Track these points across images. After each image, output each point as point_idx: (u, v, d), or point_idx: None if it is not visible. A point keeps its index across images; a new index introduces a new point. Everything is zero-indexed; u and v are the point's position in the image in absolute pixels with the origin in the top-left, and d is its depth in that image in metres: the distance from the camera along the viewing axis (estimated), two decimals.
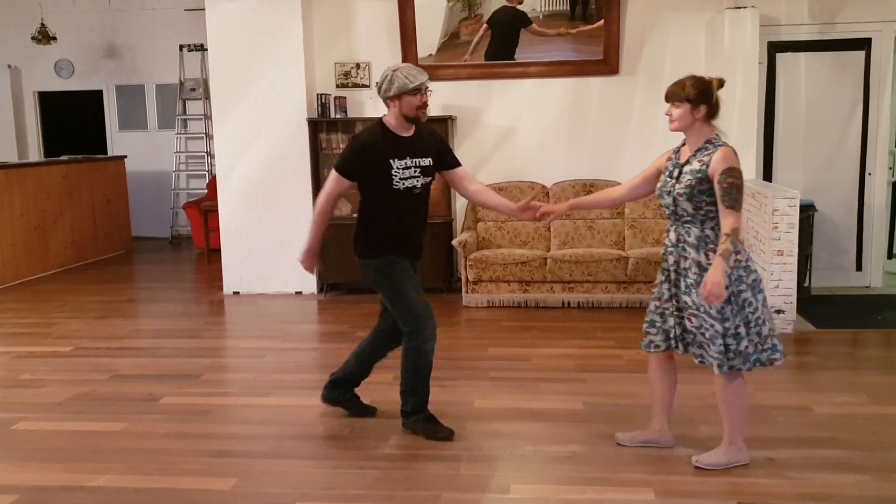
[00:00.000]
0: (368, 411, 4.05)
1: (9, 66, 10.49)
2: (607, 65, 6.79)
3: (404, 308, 3.66)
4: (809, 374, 4.74)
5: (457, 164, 3.84)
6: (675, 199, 3.30)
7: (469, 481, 3.33)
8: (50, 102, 10.87)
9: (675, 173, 3.35)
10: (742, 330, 3.20)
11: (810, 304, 6.05)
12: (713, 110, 3.29)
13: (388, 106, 3.65)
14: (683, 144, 3.41)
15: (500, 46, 6.87)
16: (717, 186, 3.14)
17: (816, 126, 6.66)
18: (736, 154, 3.22)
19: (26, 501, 3.25)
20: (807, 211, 6.13)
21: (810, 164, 6.71)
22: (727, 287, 3.08)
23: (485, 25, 6.85)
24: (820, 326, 5.57)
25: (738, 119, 6.28)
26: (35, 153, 10.81)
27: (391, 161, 3.55)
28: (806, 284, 6.33)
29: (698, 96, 3.25)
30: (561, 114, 6.96)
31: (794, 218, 5.35)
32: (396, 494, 3.23)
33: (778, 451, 3.53)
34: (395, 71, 3.57)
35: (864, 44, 6.52)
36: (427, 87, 3.61)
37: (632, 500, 3.13)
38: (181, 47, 10.03)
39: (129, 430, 3.99)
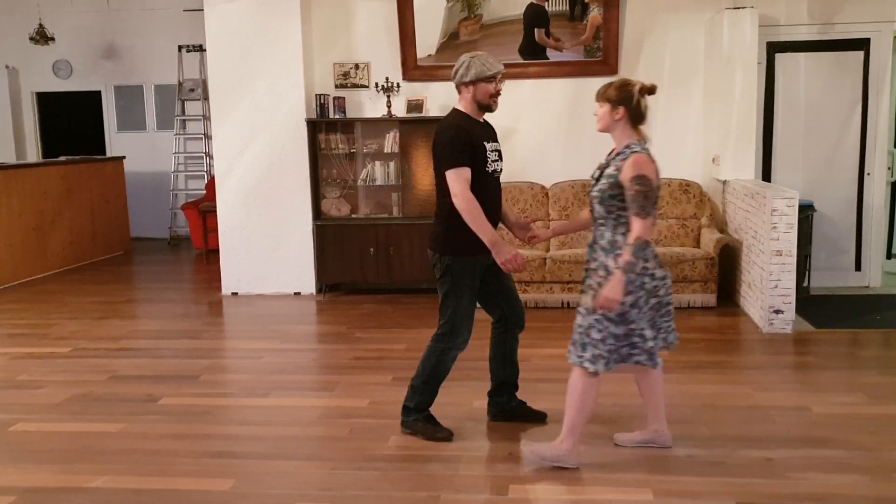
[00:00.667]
0: (538, 416, 3.97)
1: (7, 67, 10.48)
2: (606, 65, 6.79)
3: (454, 311, 3.67)
4: (808, 374, 4.73)
5: None
6: (591, 201, 3.36)
7: (468, 482, 3.32)
8: (48, 103, 10.85)
9: (597, 175, 3.38)
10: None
11: (809, 304, 6.05)
12: (634, 114, 3.28)
13: (460, 92, 3.65)
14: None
15: (529, 43, 6.86)
16: (626, 193, 3.15)
17: (815, 126, 6.66)
18: (651, 161, 3.20)
19: (24, 503, 3.24)
20: (806, 211, 6.13)
21: (809, 164, 6.70)
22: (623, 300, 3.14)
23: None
24: (819, 326, 5.56)
25: (737, 119, 6.28)
26: (33, 154, 10.80)
27: (484, 143, 3.56)
28: (805, 284, 6.33)
29: (618, 98, 3.27)
30: (560, 114, 6.96)
31: (793, 218, 5.35)
32: (395, 495, 3.23)
33: (777, 451, 3.53)
34: (472, 58, 3.59)
35: (862, 44, 6.52)
36: (502, 76, 3.63)
37: (631, 500, 3.13)
38: (180, 48, 10.02)
39: (127, 430, 3.98)
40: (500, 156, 3.69)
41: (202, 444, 3.80)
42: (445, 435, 3.71)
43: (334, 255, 6.95)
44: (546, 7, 6.79)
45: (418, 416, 3.75)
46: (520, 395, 4.37)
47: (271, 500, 3.22)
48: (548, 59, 6.87)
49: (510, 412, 3.94)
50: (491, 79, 3.57)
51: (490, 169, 3.58)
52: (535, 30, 6.82)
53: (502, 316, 3.85)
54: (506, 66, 6.87)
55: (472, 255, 3.63)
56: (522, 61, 6.87)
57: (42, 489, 3.36)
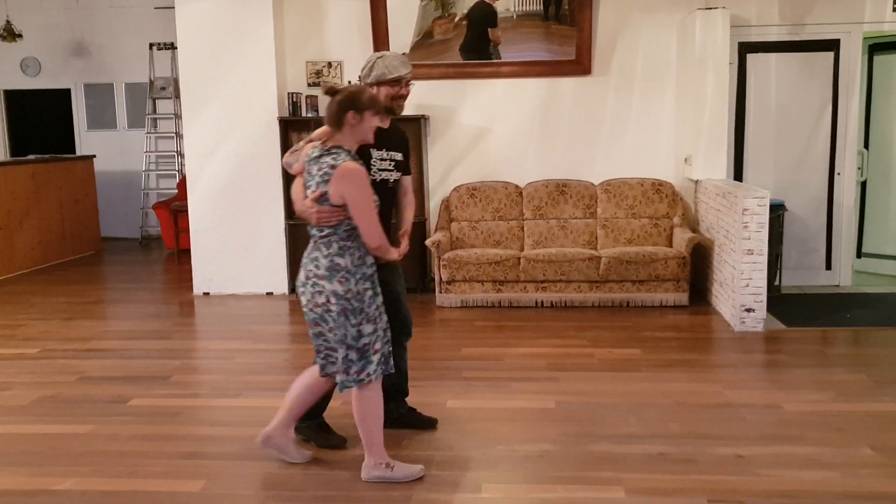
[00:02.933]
0: (429, 423, 3.88)
1: None
2: (580, 65, 6.82)
3: (402, 312, 3.68)
4: (779, 372, 4.78)
5: (409, 172, 3.79)
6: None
7: (440, 481, 3.31)
8: (16, 101, 10.68)
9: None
10: None
11: (780, 302, 6.12)
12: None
13: None
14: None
15: (474, 42, 6.87)
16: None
17: (786, 126, 6.74)
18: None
19: None
20: (777, 210, 6.20)
21: (780, 163, 6.78)
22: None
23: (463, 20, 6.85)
24: (790, 325, 5.62)
25: (709, 119, 6.33)
26: (1, 153, 10.62)
27: (370, 150, 3.46)
28: (776, 283, 6.40)
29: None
30: (534, 114, 6.98)
31: (765, 217, 5.40)
32: (367, 495, 3.21)
33: (748, 448, 3.56)
34: (379, 58, 3.52)
35: (832, 45, 6.60)
36: (408, 80, 3.56)
37: (603, 498, 3.14)
38: (151, 46, 9.91)
39: (96, 432, 3.92)
40: (397, 165, 3.56)
41: (172, 445, 3.75)
42: (337, 441, 3.68)
43: None
44: (496, 7, 6.80)
45: (310, 423, 3.70)
46: (494, 393, 4.38)
47: (242, 501, 3.19)
48: (490, 58, 6.87)
49: (399, 419, 3.84)
50: (395, 82, 3.51)
51: (376, 177, 3.45)
52: (490, 30, 6.83)
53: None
54: (479, 65, 7.00)
55: None
56: (494, 60, 6.87)
57: (10, 492, 3.29)
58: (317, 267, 3.19)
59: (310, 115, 6.89)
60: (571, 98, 6.92)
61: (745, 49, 6.66)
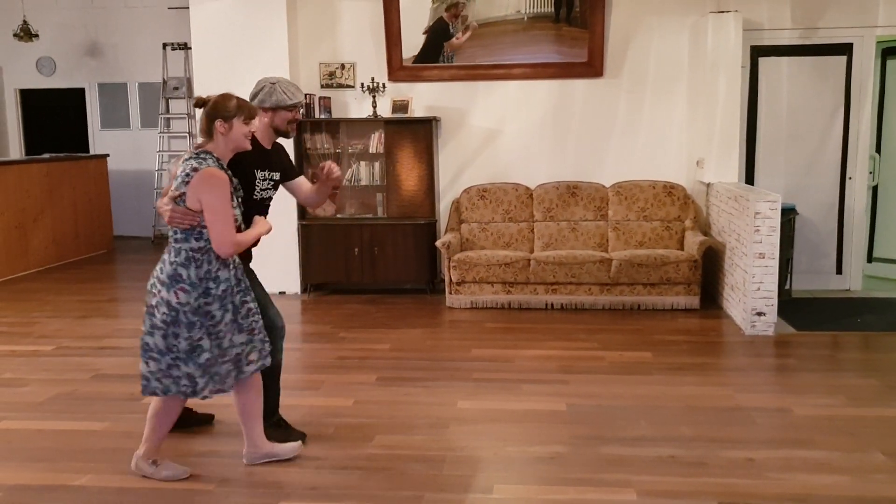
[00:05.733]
0: (205, 419, 4.01)
1: None
2: (591, 67, 6.83)
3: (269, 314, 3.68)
4: (789, 376, 4.79)
5: (298, 173, 3.90)
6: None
7: (452, 481, 3.34)
8: (32, 100, 10.76)
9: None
10: None
11: (791, 306, 6.11)
12: None
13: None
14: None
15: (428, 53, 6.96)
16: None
17: (798, 130, 6.73)
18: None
19: (8, 501, 3.22)
20: (788, 214, 6.20)
21: (792, 167, 6.77)
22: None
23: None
24: (800, 329, 5.62)
25: (721, 122, 6.33)
26: (16, 151, 10.71)
27: (255, 171, 3.54)
28: (787, 287, 6.39)
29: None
30: (545, 116, 6.99)
31: (776, 221, 5.40)
32: (379, 494, 3.23)
33: (758, 451, 3.57)
34: (273, 84, 3.59)
35: (845, 49, 6.59)
36: (301, 107, 3.66)
37: (614, 500, 3.15)
38: (164, 46, 9.97)
39: (111, 429, 3.97)
40: (275, 185, 3.67)
41: (186, 444, 3.79)
42: (297, 436, 3.72)
43: (319, 256, 6.95)
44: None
45: (267, 424, 3.70)
46: (504, 395, 4.40)
47: (256, 499, 3.23)
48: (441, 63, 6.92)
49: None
50: (291, 108, 3.58)
51: (258, 197, 3.56)
52: (445, 44, 6.90)
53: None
54: (490, 67, 7.03)
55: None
56: (505, 63, 6.89)
57: (27, 487, 3.34)
58: (161, 271, 3.18)
59: (323, 116, 6.93)
60: (583, 100, 6.93)
61: (758, 53, 6.66)
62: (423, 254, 6.83)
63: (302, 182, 3.87)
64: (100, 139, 10.59)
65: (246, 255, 3.62)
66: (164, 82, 10.13)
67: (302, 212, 6.96)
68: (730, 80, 6.29)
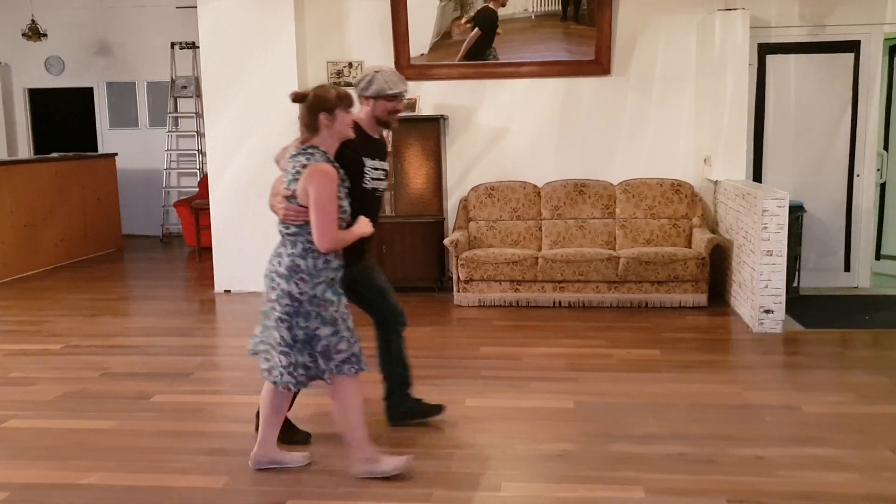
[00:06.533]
0: (436, 409, 3.93)
1: None
2: (599, 65, 6.82)
3: (391, 303, 3.76)
4: (798, 373, 4.77)
5: None
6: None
7: (460, 479, 3.34)
8: (40, 99, 10.81)
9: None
10: None
11: (799, 304, 6.09)
12: None
13: (360, 103, 3.63)
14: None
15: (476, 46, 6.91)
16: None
17: (806, 127, 6.71)
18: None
19: (17, 499, 3.24)
20: (796, 212, 6.18)
21: (800, 165, 6.75)
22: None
23: (476, 29, 6.87)
24: (809, 326, 5.61)
25: (729, 119, 6.32)
26: (25, 150, 10.76)
27: (364, 159, 3.52)
28: (795, 285, 6.38)
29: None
30: (552, 114, 6.98)
31: (784, 219, 5.39)
32: (388, 492, 3.24)
33: (767, 449, 3.56)
34: (376, 73, 3.58)
35: (853, 46, 6.56)
36: (403, 97, 3.62)
37: (622, 497, 3.15)
38: (173, 45, 10.00)
39: (120, 427, 3.99)
40: (385, 175, 3.65)
41: (195, 442, 3.81)
42: (301, 437, 3.74)
43: None
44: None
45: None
46: (512, 393, 4.40)
47: (263, 498, 3.24)
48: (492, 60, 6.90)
49: (407, 412, 3.90)
50: (392, 97, 3.56)
51: (368, 186, 3.53)
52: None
53: (382, 317, 3.82)
54: (497, 65, 7.03)
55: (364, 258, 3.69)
56: (513, 61, 6.89)
57: (35, 486, 3.36)
58: (279, 264, 3.21)
59: None
60: (590, 98, 6.92)
61: (765, 50, 6.63)
62: (431, 252, 6.84)
63: None
64: (108, 138, 10.63)
65: (358, 253, 3.55)
66: (173, 81, 10.16)
67: None
68: (737, 78, 6.28)
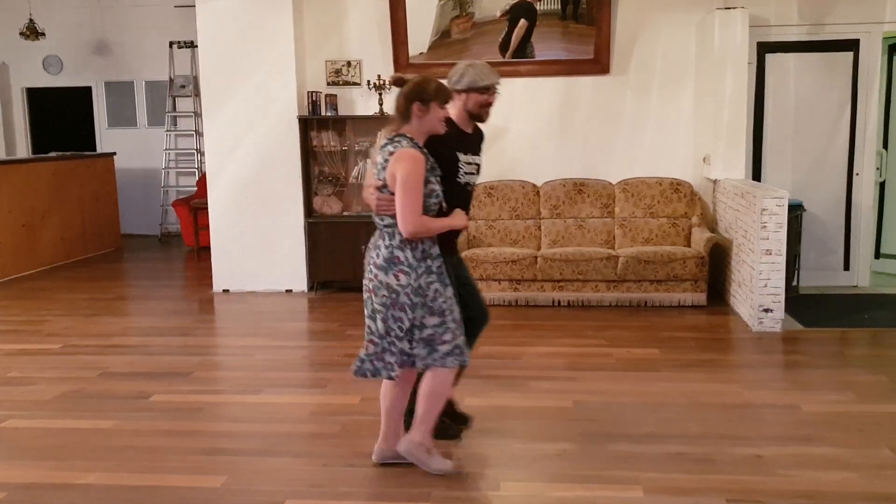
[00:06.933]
0: (453, 432, 3.78)
1: None
2: (598, 64, 6.81)
3: (481, 301, 3.68)
4: (798, 372, 4.77)
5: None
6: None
7: (459, 479, 3.33)
8: (38, 99, 10.80)
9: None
10: None
11: (798, 303, 6.09)
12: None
13: (453, 98, 3.54)
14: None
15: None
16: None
17: (805, 126, 6.70)
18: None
19: (15, 499, 3.24)
20: (795, 211, 6.17)
21: (799, 164, 6.75)
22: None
23: (523, 20, 6.82)
24: (808, 325, 5.60)
25: (728, 118, 6.32)
26: (23, 150, 10.74)
27: (457, 154, 3.47)
28: (794, 283, 6.37)
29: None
30: (551, 113, 6.98)
31: (783, 217, 5.38)
32: (387, 492, 3.24)
33: (766, 448, 3.56)
34: (468, 66, 3.53)
35: (852, 45, 6.56)
36: (495, 89, 3.58)
37: (621, 497, 3.15)
38: (171, 44, 9.98)
39: (118, 427, 3.98)
40: (478, 169, 3.59)
41: (194, 441, 3.80)
42: (454, 432, 3.71)
43: (326, 253, 6.96)
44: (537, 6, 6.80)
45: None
46: (512, 392, 4.40)
47: (262, 497, 3.23)
48: (527, 56, 6.86)
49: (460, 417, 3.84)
50: (485, 89, 3.52)
51: (462, 181, 3.47)
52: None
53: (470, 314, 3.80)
54: (496, 64, 6.97)
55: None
56: (513, 59, 6.88)
57: (34, 485, 3.35)
58: (377, 256, 3.21)
59: (329, 114, 6.93)
60: (590, 97, 6.91)
61: (764, 49, 6.63)
62: None
63: None
64: (107, 137, 10.61)
65: (450, 247, 3.48)
66: (171, 80, 10.14)
67: (308, 209, 6.97)
68: (737, 77, 6.27)
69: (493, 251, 6.41)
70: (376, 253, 3.21)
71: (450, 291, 3.25)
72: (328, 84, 7.07)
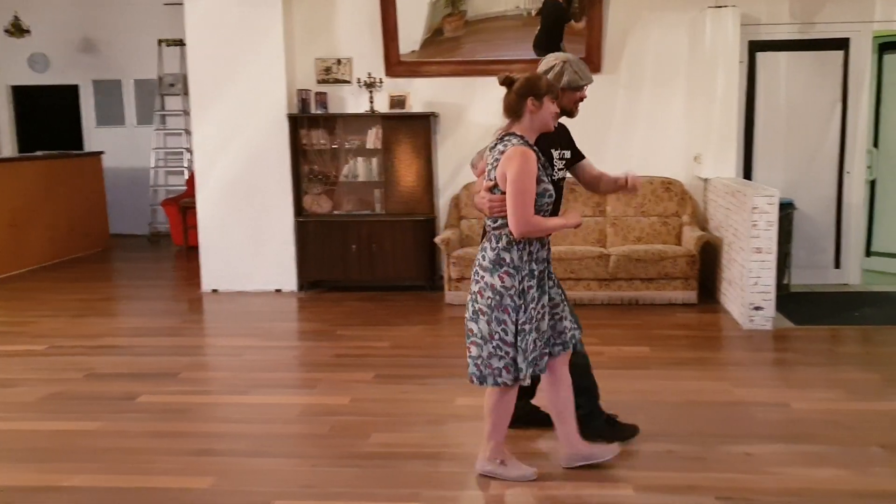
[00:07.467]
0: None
1: None
2: (590, 63, 6.75)
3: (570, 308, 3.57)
4: (788, 370, 4.77)
5: (583, 156, 3.75)
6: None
7: (448, 479, 3.31)
8: (24, 97, 10.71)
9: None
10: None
11: (789, 301, 6.09)
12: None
13: None
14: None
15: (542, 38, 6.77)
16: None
17: (796, 125, 6.71)
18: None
19: (0, 501, 3.20)
20: (786, 209, 6.18)
21: (790, 162, 6.75)
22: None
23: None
24: (799, 323, 5.60)
25: (719, 117, 6.31)
26: (9, 149, 10.65)
27: (552, 151, 3.42)
28: (785, 282, 6.38)
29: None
30: None
31: (774, 216, 5.38)
32: (375, 492, 3.21)
33: (756, 446, 3.55)
34: (565, 62, 3.48)
35: (842, 44, 6.56)
36: (588, 85, 3.55)
37: (611, 495, 3.13)
38: (160, 42, 9.91)
39: (105, 429, 3.94)
40: (567, 163, 3.56)
41: (182, 442, 3.76)
42: (631, 432, 3.63)
43: (316, 252, 6.92)
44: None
45: (597, 423, 3.60)
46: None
47: (251, 498, 3.19)
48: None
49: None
50: (580, 87, 3.51)
51: (556, 176, 3.41)
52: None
53: None
54: (489, 63, 6.98)
55: None
56: (505, 58, 6.86)
57: (19, 488, 3.31)
58: (483, 258, 3.17)
59: (319, 111, 6.89)
60: None
61: (755, 47, 6.63)
62: (422, 250, 6.80)
63: (587, 165, 3.72)
64: (95, 136, 10.53)
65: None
66: (160, 79, 10.08)
67: (298, 208, 6.93)
68: (728, 75, 6.27)
69: None
70: (482, 255, 3.18)
71: (545, 299, 3.20)
72: (318, 82, 7.03)
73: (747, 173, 6.77)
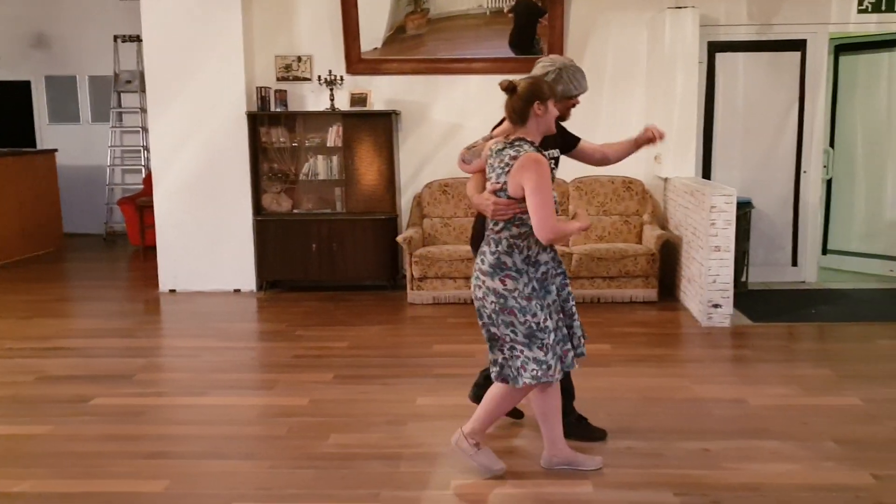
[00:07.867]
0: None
1: None
2: None
3: None
4: (745, 366, 4.82)
5: (578, 139, 3.74)
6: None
7: (408, 479, 3.28)
8: None
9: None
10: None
11: (747, 298, 6.17)
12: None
13: None
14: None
15: (518, 36, 6.82)
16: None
17: (754, 125, 6.80)
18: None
19: None
20: (744, 208, 6.25)
21: (748, 161, 6.84)
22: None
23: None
24: (756, 320, 5.67)
25: (679, 117, 6.36)
26: None
27: (544, 152, 3.35)
28: (743, 279, 6.45)
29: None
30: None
31: (732, 214, 5.44)
32: (334, 493, 3.16)
33: (714, 442, 3.57)
34: (560, 70, 3.45)
35: (799, 45, 6.66)
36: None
37: (571, 492, 3.13)
38: (116, 38, 9.71)
39: (55, 432, 3.83)
40: (556, 162, 3.55)
41: (135, 445, 3.67)
42: (600, 434, 3.63)
43: (275, 252, 6.83)
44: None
45: (568, 419, 3.56)
46: (465, 390, 4.32)
47: (207, 501, 3.13)
48: (534, 52, 6.82)
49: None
50: (573, 97, 3.50)
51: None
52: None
53: None
54: (450, 61, 6.96)
55: None
56: (467, 57, 6.85)
57: None
58: (482, 262, 3.14)
59: (279, 109, 6.80)
60: None
61: (714, 48, 6.70)
62: (384, 249, 6.76)
63: (585, 145, 3.72)
64: (48, 133, 10.27)
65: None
66: (116, 75, 9.87)
67: (257, 207, 6.84)
68: (687, 76, 6.33)
69: (448, 249, 6.37)
70: (482, 259, 3.16)
71: (551, 298, 3.18)
72: (278, 79, 6.94)
73: (706, 173, 6.84)
